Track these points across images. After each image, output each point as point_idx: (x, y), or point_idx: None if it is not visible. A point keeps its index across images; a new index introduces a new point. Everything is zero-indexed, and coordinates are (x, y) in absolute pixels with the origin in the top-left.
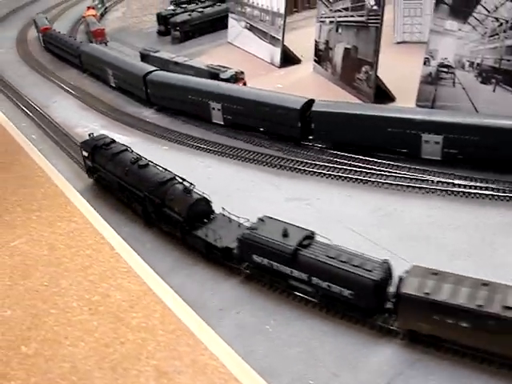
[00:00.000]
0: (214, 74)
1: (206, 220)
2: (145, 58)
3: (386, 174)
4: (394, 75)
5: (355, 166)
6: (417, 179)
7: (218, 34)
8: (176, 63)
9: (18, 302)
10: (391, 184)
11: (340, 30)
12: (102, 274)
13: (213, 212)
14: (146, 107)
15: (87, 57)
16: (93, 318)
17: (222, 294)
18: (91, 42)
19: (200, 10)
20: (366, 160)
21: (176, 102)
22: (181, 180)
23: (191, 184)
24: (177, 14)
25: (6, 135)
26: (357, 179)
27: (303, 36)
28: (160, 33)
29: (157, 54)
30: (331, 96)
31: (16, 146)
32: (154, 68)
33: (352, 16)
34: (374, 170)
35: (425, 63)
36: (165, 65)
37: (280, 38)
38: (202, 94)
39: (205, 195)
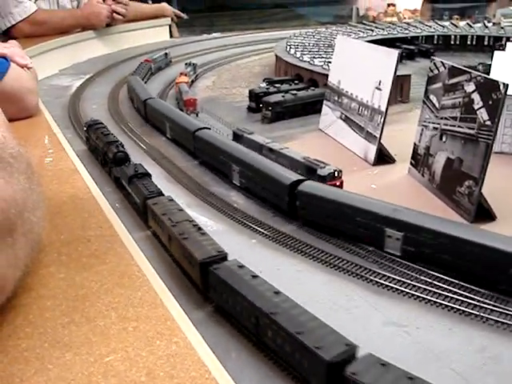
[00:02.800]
0: (310, 169)
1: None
2: (237, 138)
3: (491, 307)
4: (492, 189)
5: (456, 293)
6: None
7: (309, 119)
8: (271, 150)
9: None
10: (496, 321)
11: (444, 139)
12: None
13: (129, 160)
14: (234, 189)
15: (130, 87)
16: None
17: None
18: (181, 110)
19: (294, 92)
20: (470, 289)
21: None
22: (119, 143)
23: (122, 144)
24: (270, 93)
25: (100, 212)
26: (458, 309)
27: (396, 132)
28: (250, 109)
29: (251, 137)
30: (427, 205)
31: (111, 230)
32: None
33: (460, 127)
34: (477, 301)
35: None
36: (258, 149)
37: (377, 135)
38: None
39: (124, 150)
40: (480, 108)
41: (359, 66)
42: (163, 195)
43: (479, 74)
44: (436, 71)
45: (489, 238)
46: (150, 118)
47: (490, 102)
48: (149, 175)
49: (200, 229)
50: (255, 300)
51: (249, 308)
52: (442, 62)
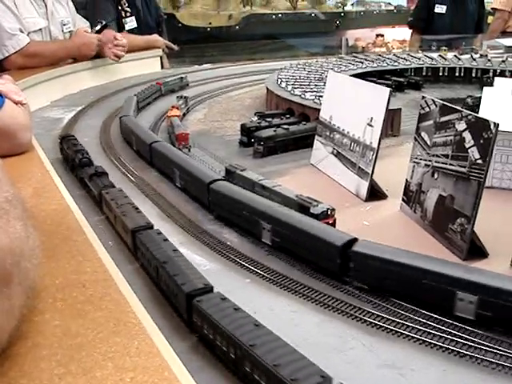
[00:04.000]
0: (303, 207)
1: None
2: (230, 174)
3: (486, 348)
4: (482, 224)
5: (450, 333)
6: None
7: (300, 153)
8: (263, 187)
9: None
10: (491, 362)
11: (436, 176)
12: None
13: (92, 164)
14: (227, 227)
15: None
16: None
17: None
18: (173, 144)
19: (286, 126)
20: (464, 329)
21: None
22: (85, 151)
23: (87, 152)
24: (261, 127)
25: (95, 256)
26: (453, 350)
27: (387, 167)
28: (242, 143)
29: (243, 173)
30: (419, 241)
31: (106, 274)
32: None
33: (452, 164)
34: (472, 341)
35: None
36: (251, 186)
37: (369, 171)
38: None
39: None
40: (471, 147)
41: (351, 102)
42: (115, 187)
43: (470, 112)
44: (427, 109)
45: (323, 232)
46: (123, 134)
47: (481, 141)
48: (106, 174)
49: (137, 209)
50: (157, 254)
51: (152, 260)
52: (433, 100)
